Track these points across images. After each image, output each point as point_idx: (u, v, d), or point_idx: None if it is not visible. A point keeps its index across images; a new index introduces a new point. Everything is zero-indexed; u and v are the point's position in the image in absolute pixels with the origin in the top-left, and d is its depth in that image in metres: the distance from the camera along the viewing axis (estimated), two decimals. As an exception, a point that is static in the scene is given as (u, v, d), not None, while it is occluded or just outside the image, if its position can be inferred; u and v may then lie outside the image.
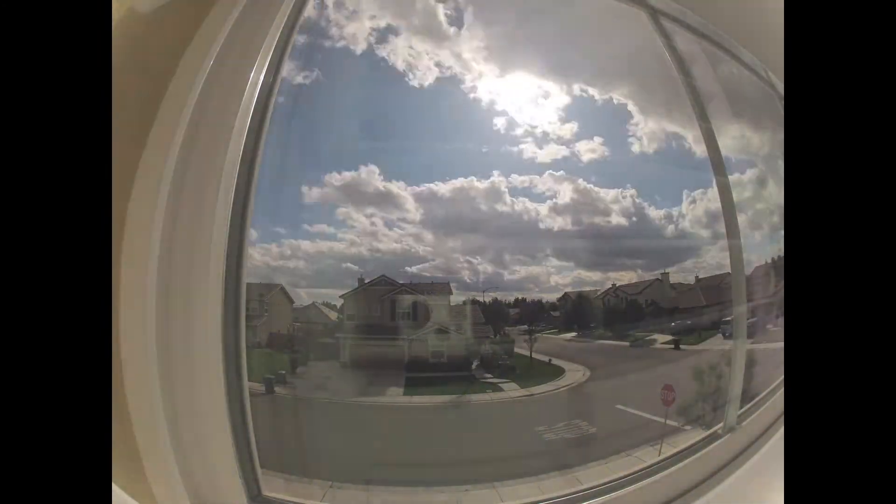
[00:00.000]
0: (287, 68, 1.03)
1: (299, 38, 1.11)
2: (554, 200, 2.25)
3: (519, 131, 2.15)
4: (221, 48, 0.88)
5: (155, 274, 0.78)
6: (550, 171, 2.21)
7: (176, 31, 0.88)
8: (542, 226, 2.25)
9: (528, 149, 2.17)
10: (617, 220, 2.30)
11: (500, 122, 2.15)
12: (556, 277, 2.24)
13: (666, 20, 1.77)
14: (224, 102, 0.86)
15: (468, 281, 2.12)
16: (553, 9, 2.12)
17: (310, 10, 1.14)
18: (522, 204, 2.23)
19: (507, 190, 2.21)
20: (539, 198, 2.24)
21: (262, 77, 0.92)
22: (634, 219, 2.32)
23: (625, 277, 2.31)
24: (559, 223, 2.28)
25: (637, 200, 2.32)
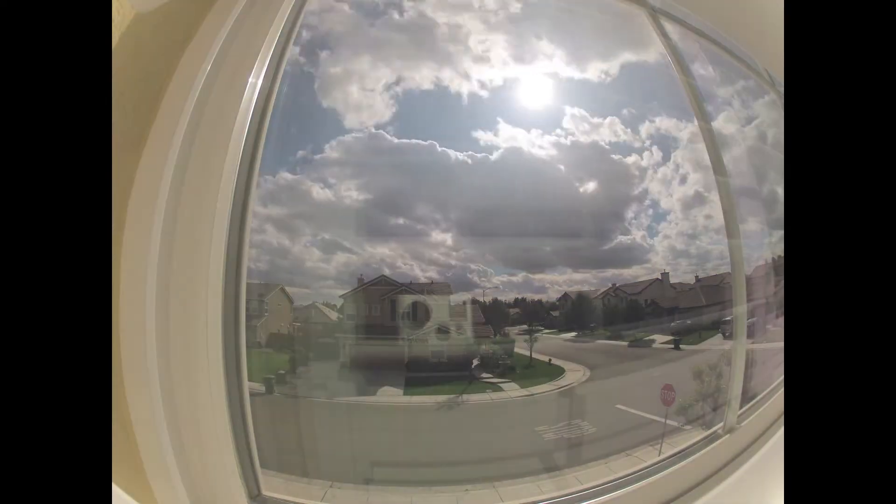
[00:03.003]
0: (287, 68, 1.02)
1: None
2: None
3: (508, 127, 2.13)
4: (221, 48, 0.88)
5: (155, 274, 0.78)
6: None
7: (176, 31, 0.88)
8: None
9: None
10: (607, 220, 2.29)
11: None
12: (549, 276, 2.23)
13: (666, 20, 1.77)
14: (224, 102, 0.86)
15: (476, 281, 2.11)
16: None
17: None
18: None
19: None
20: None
21: (262, 77, 0.92)
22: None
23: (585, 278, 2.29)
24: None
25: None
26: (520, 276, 2.17)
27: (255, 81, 0.90)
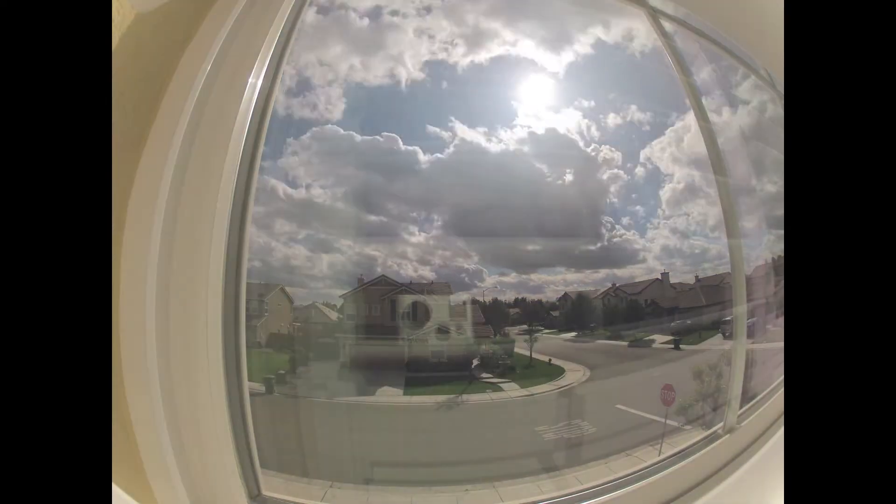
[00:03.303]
0: (287, 68, 1.02)
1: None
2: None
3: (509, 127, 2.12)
4: (221, 48, 0.88)
5: (155, 274, 0.78)
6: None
7: (176, 31, 0.88)
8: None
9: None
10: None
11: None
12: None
13: (666, 20, 1.77)
14: (224, 102, 0.86)
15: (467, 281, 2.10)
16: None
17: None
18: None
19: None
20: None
21: (261, 77, 0.92)
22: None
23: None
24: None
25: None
26: (511, 276, 2.17)
27: (255, 81, 0.90)
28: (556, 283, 2.23)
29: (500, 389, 2.15)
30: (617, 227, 2.27)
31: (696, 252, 2.29)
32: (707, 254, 2.28)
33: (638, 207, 2.32)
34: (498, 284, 2.12)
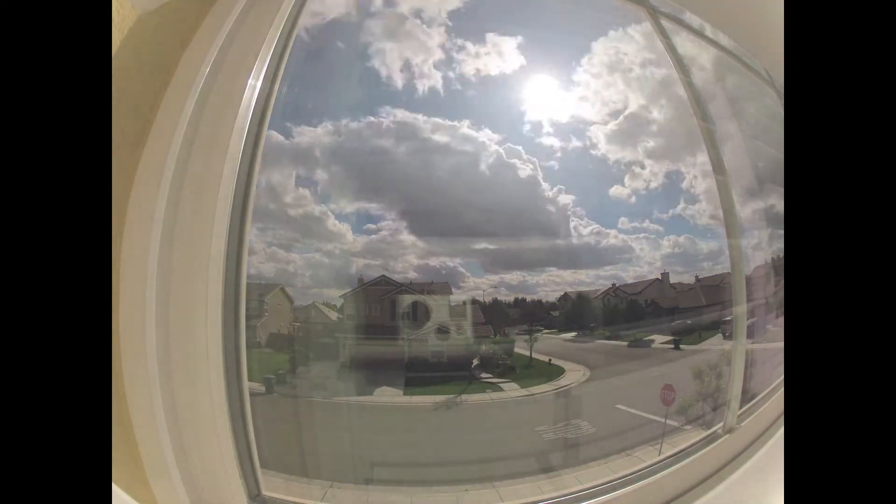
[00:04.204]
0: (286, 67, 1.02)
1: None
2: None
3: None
4: (221, 48, 0.88)
5: (155, 274, 0.78)
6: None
7: (176, 31, 0.88)
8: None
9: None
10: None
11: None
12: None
13: (666, 20, 1.77)
14: (224, 102, 0.86)
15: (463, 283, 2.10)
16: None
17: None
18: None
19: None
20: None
21: (261, 77, 0.92)
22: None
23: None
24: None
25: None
26: (490, 277, 2.16)
27: (255, 82, 0.90)
28: (547, 283, 2.23)
29: (500, 389, 2.15)
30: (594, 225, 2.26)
31: (688, 251, 2.29)
32: (706, 253, 2.28)
33: (598, 202, 2.31)
34: (496, 286, 2.12)
